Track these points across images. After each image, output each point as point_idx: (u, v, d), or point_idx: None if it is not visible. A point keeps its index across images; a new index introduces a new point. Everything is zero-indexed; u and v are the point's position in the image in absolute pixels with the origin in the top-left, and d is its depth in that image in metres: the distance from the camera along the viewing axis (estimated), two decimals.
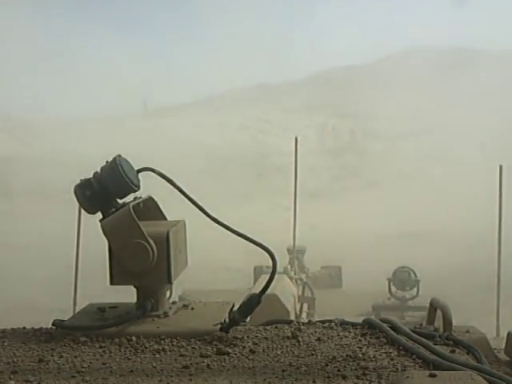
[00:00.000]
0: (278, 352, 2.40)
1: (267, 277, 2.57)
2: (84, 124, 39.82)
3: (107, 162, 2.66)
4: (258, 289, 2.63)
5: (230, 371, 2.23)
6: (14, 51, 51.70)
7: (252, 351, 2.40)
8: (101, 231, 2.62)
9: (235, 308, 2.68)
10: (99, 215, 2.66)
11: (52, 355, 2.38)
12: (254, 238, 2.63)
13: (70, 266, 9.22)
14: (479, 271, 15.06)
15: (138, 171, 2.72)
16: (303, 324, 2.73)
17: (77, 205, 2.73)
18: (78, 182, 2.67)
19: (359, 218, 25.55)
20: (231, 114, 42.64)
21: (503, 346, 2.57)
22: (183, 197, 2.68)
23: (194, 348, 2.44)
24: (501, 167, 10.65)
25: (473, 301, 14.09)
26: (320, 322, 2.76)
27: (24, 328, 2.72)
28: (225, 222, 2.67)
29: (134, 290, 2.71)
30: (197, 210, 2.69)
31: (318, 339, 2.53)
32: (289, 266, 12.16)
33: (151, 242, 2.58)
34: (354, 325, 2.69)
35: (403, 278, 11.88)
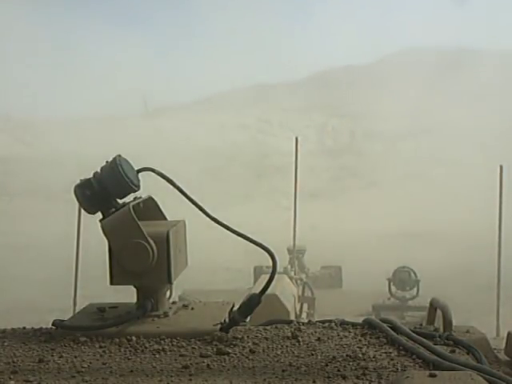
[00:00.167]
0: (278, 352, 2.40)
1: (267, 277, 2.58)
2: (84, 124, 39.82)
3: (107, 162, 2.66)
4: (258, 289, 2.63)
5: (230, 371, 2.23)
6: (13, 50, 51.72)
7: (252, 351, 2.40)
8: (101, 231, 2.62)
9: (235, 308, 2.68)
10: (99, 215, 2.66)
11: (52, 355, 2.38)
12: (254, 238, 2.63)
13: (70, 266, 9.21)
14: (479, 271, 15.06)
15: (138, 171, 2.72)
16: (303, 324, 2.73)
17: (77, 205, 2.73)
18: (77, 182, 2.68)
19: (359, 218, 25.55)
20: (231, 114, 42.63)
21: (503, 345, 2.57)
22: (183, 197, 2.68)
23: (193, 348, 2.44)
24: (501, 167, 10.64)
25: (473, 301, 14.09)
26: (320, 322, 2.77)
27: (24, 328, 2.72)
28: (225, 222, 2.67)
29: (134, 289, 2.71)
30: (197, 210, 2.69)
31: (318, 339, 2.53)
32: (289, 266, 12.16)
33: (151, 242, 2.58)
34: (354, 325, 2.69)
35: (403, 278, 11.87)
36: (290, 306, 7.43)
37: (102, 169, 2.66)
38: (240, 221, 5.70)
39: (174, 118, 42.21)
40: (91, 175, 2.66)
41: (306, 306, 10.62)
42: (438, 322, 2.70)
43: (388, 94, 41.04)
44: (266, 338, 2.54)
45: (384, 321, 2.67)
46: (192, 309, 2.82)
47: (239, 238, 2.66)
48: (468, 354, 2.38)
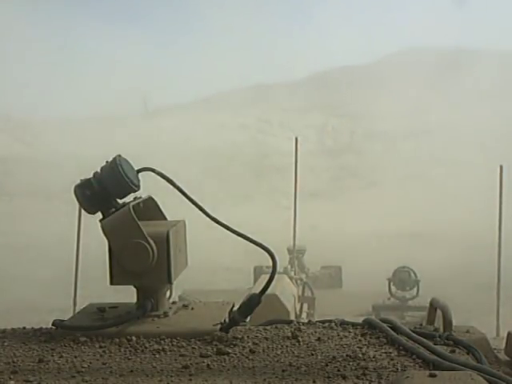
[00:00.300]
0: (278, 352, 2.40)
1: (267, 277, 2.58)
2: (84, 124, 39.82)
3: (107, 162, 2.66)
4: (258, 289, 2.63)
5: (230, 371, 2.23)
6: (13, 51, 51.72)
7: (252, 351, 2.40)
8: (101, 231, 2.62)
9: (235, 308, 2.68)
10: (99, 215, 2.66)
11: (52, 355, 2.39)
12: (254, 238, 2.63)
13: (70, 266, 9.21)
14: (479, 271, 15.06)
15: (138, 171, 2.72)
16: (303, 324, 2.73)
17: (77, 205, 2.73)
18: (77, 182, 2.67)
19: (359, 218, 25.55)
20: (231, 114, 42.63)
21: (503, 345, 2.57)
22: (183, 197, 2.68)
23: (193, 348, 2.44)
24: (501, 167, 10.65)
25: (472, 301, 14.09)
26: (320, 322, 2.77)
27: (24, 328, 2.72)
28: (225, 222, 2.67)
29: (134, 289, 2.71)
30: (197, 210, 2.69)
31: (318, 339, 2.53)
32: (289, 266, 12.16)
33: (151, 242, 2.58)
34: (354, 325, 2.69)
35: (403, 278, 11.86)
36: (290, 306, 7.43)
37: (101, 169, 2.66)
38: (240, 221, 5.70)
39: (174, 118, 42.21)
40: (91, 175, 2.66)
41: (306, 305, 10.62)
42: (438, 322, 2.70)
43: (388, 94, 41.05)
44: (266, 338, 2.54)
45: (384, 321, 2.67)
46: (192, 309, 2.82)
47: (239, 238, 2.66)
48: (468, 353, 2.38)
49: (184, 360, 2.32)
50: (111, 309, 2.76)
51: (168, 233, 2.61)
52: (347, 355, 2.32)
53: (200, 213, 2.69)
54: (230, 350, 2.39)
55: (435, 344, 2.42)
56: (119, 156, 2.66)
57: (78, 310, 2.99)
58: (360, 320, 2.74)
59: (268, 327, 2.68)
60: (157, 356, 2.38)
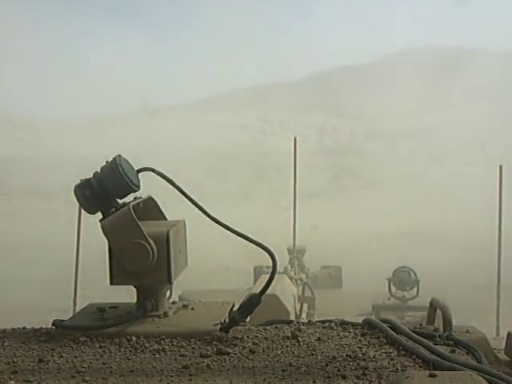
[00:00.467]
0: (278, 352, 2.40)
1: (267, 277, 2.58)
2: (84, 124, 39.83)
3: (107, 162, 2.66)
4: (258, 289, 2.63)
5: (230, 371, 2.23)
6: (14, 51, 51.72)
7: (252, 351, 2.40)
8: (101, 231, 2.62)
9: (235, 308, 2.68)
10: (99, 215, 2.66)
11: (52, 355, 2.39)
12: (254, 238, 2.63)
13: (70, 266, 9.21)
14: (479, 271, 15.06)
15: (138, 171, 2.72)
16: (303, 324, 2.73)
17: (77, 205, 2.73)
18: (77, 182, 2.67)
19: (359, 218, 25.55)
20: (231, 114, 42.64)
21: (503, 346, 2.57)
22: (183, 197, 2.68)
23: (193, 348, 2.44)
24: (501, 167, 10.65)
25: (472, 301, 14.09)
26: (320, 322, 2.77)
27: (24, 328, 2.72)
28: (225, 222, 2.67)
29: (134, 289, 2.71)
30: (197, 209, 2.69)
31: (318, 339, 2.53)
32: (289, 266, 12.16)
33: (151, 242, 2.58)
34: (354, 325, 2.69)
35: (403, 278, 11.86)
36: (290, 306, 7.43)
37: (101, 169, 2.66)
38: (240, 221, 5.70)
39: (174, 118, 42.21)
40: (91, 175, 2.66)
41: (306, 305, 10.62)
42: (438, 322, 2.70)
43: (388, 94, 41.06)
44: (266, 338, 2.54)
45: (384, 321, 2.67)
46: (192, 309, 2.82)
47: (239, 238, 2.66)
48: (468, 354, 2.38)
49: (184, 360, 2.32)
50: (111, 309, 2.76)
51: (168, 233, 2.61)
52: (347, 355, 2.32)
53: (200, 213, 2.69)
54: (230, 350, 2.39)
55: (435, 344, 2.42)
56: (119, 156, 2.66)
57: (78, 310, 2.98)
58: (360, 320, 2.74)
59: (268, 327, 2.68)
60: (157, 356, 2.38)
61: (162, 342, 2.48)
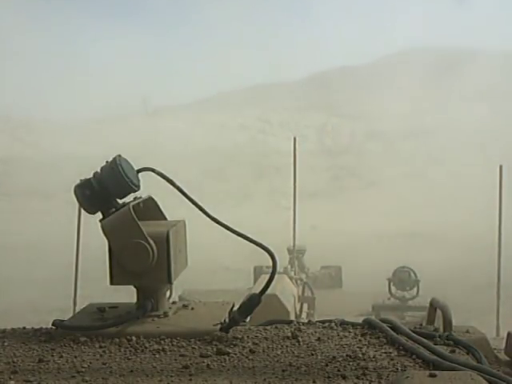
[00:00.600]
0: (278, 352, 2.40)
1: (267, 277, 2.57)
2: (84, 124, 39.83)
3: (107, 162, 2.66)
4: (258, 289, 2.63)
5: (230, 371, 2.23)
6: (14, 51, 51.72)
7: (252, 351, 2.40)
8: (101, 231, 2.62)
9: (235, 308, 2.68)
10: (99, 215, 2.66)
11: (52, 355, 2.38)
12: (254, 238, 2.63)
13: (70, 266, 9.21)
14: (479, 271, 15.06)
15: (138, 171, 2.72)
16: (303, 324, 2.73)
17: (77, 205, 2.73)
18: (77, 182, 2.67)
19: (359, 218, 25.55)
20: (231, 114, 42.64)
21: (503, 346, 2.57)
22: (183, 197, 2.68)
23: (193, 348, 2.44)
24: (501, 167, 10.65)
25: (472, 301, 14.09)
26: (320, 321, 2.77)
27: (24, 328, 2.72)
28: (225, 222, 2.67)
29: (134, 289, 2.71)
30: (197, 209, 2.69)
31: (318, 339, 2.53)
32: (289, 266, 12.16)
33: (151, 242, 2.57)
34: (354, 325, 2.69)
35: (403, 278, 11.86)
36: (290, 306, 7.43)
37: (101, 169, 2.66)
38: (240, 221, 5.70)
39: (174, 118, 42.22)
40: (91, 175, 2.66)
41: (306, 305, 10.62)
42: (438, 322, 2.70)
43: (388, 94, 41.07)
44: (266, 338, 2.54)
45: (384, 321, 2.67)
46: (192, 309, 2.82)
47: (239, 238, 2.66)
48: (468, 354, 2.38)
49: (184, 360, 2.32)
50: (111, 309, 2.76)
51: (168, 233, 2.60)
52: (347, 355, 2.32)
53: (200, 213, 2.69)
54: (230, 350, 2.39)
55: (435, 344, 2.42)
56: (119, 156, 2.66)
57: (78, 310, 2.98)
58: (360, 320, 2.74)
59: (268, 327, 2.68)
60: (157, 356, 2.38)
61: (162, 341, 2.48)
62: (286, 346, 2.45)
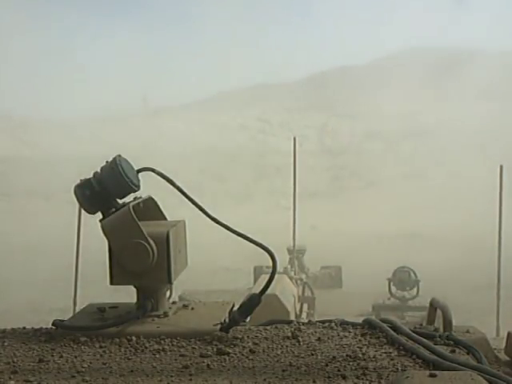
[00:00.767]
0: (278, 352, 2.40)
1: (267, 277, 2.57)
2: (84, 124, 39.83)
3: (107, 162, 2.66)
4: (258, 289, 2.63)
5: (230, 371, 2.23)
6: (14, 51, 51.72)
7: (252, 351, 2.40)
8: (101, 231, 2.62)
9: (235, 308, 2.68)
10: (99, 215, 2.66)
11: (52, 355, 2.38)
12: (254, 238, 2.63)
13: (70, 267, 9.21)
14: (479, 272, 15.06)
15: (138, 171, 2.72)
16: (303, 324, 2.73)
17: (77, 205, 2.73)
18: (77, 182, 2.67)
19: (359, 218, 25.55)
20: (231, 113, 42.64)
21: (503, 345, 2.57)
22: (183, 197, 2.68)
23: (194, 348, 2.44)
24: (501, 167, 10.65)
25: (472, 301, 14.09)
26: (320, 322, 2.76)
27: (24, 328, 2.72)
28: (225, 222, 2.67)
29: (134, 289, 2.71)
30: (197, 210, 2.69)
31: (318, 339, 2.53)
32: (289, 266, 12.16)
33: (151, 242, 2.57)
34: (354, 325, 2.69)
35: (403, 278, 11.86)
36: (290, 306, 7.43)
37: (101, 169, 2.66)
38: (240, 221, 5.70)
39: (174, 117, 42.22)
40: (91, 175, 2.66)
41: (306, 306, 10.63)
42: (438, 322, 2.70)
43: (388, 94, 41.06)
44: (266, 338, 2.54)
45: (384, 321, 2.67)
46: (192, 309, 2.82)
47: (239, 238, 2.66)
48: (468, 354, 2.38)
49: (184, 360, 2.32)
50: (111, 309, 2.76)
51: (168, 233, 2.60)
52: (347, 355, 2.32)
53: (200, 213, 2.69)
54: (230, 350, 2.39)
55: (435, 344, 2.42)
56: (119, 156, 2.66)
57: (78, 310, 2.98)
58: (360, 320, 2.74)
59: (268, 327, 2.68)
60: (157, 356, 2.37)
61: (162, 341, 2.48)
62: (286, 346, 2.45)
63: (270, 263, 2.59)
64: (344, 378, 2.14)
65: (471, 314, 10.99)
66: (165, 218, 2.86)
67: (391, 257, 16.09)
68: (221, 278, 17.40)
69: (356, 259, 17.92)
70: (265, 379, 2.15)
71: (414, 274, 11.91)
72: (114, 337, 2.50)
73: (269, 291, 2.64)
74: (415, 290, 11.84)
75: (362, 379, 2.13)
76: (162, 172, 2.69)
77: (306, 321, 2.83)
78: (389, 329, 2.54)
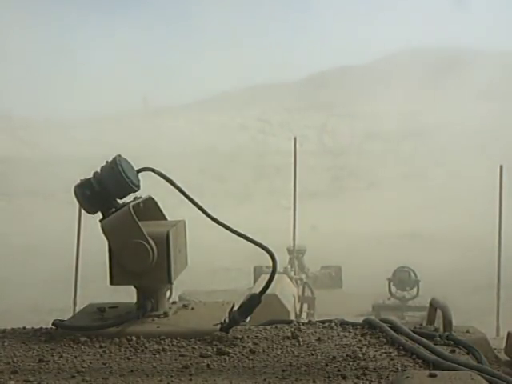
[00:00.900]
0: (278, 352, 2.40)
1: (267, 277, 2.57)
2: (84, 124, 39.83)
3: (107, 162, 2.66)
4: (257, 289, 2.63)
5: (230, 371, 2.23)
6: (14, 51, 51.71)
7: (252, 351, 2.40)
8: (101, 231, 2.62)
9: (235, 308, 2.68)
10: (99, 215, 2.66)
11: (52, 355, 2.38)
12: (254, 238, 2.63)
13: (70, 267, 9.21)
14: (479, 272, 15.05)
15: (138, 171, 2.72)
16: (303, 324, 2.73)
17: (77, 205, 2.73)
18: (77, 182, 2.67)
19: (359, 218, 25.54)
20: (231, 114, 42.63)
21: (503, 345, 2.57)
22: (183, 197, 2.68)
23: (194, 348, 2.44)
24: (501, 167, 10.64)
25: (472, 301, 14.08)
26: (320, 321, 2.76)
27: (24, 328, 2.72)
28: (225, 222, 2.67)
29: (134, 289, 2.71)
30: (197, 209, 2.69)
31: (318, 339, 2.53)
32: (289, 266, 12.15)
33: (151, 241, 2.57)
34: (354, 325, 2.69)
35: (403, 278, 11.85)
36: (290, 306, 7.43)
37: (101, 169, 2.66)
38: (240, 221, 5.70)
39: (174, 117, 42.21)
40: (91, 175, 2.66)
41: (306, 306, 10.62)
42: (438, 322, 2.70)
43: (388, 94, 41.05)
44: (266, 338, 2.54)
45: (384, 321, 2.67)
46: (192, 309, 2.82)
47: (239, 238, 2.66)
48: (468, 354, 2.38)
49: (184, 360, 2.32)
50: (111, 309, 2.76)
51: (168, 233, 2.60)
52: (347, 355, 2.32)
53: (200, 213, 2.69)
54: (230, 350, 2.39)
55: (435, 344, 2.42)
56: (119, 156, 2.66)
57: (78, 310, 2.98)
58: (360, 320, 2.74)
59: (268, 327, 2.68)
60: (157, 356, 2.37)
61: (162, 341, 2.48)
62: (286, 346, 2.45)
63: (270, 263, 2.59)
64: (344, 378, 2.14)
65: (471, 314, 10.99)
66: (165, 218, 2.86)
67: (391, 257, 16.08)
68: (221, 278, 17.40)
69: (356, 259, 17.92)
70: (265, 379, 2.15)
71: (414, 274, 11.90)
72: (114, 337, 2.50)
73: (269, 291, 2.64)
74: (415, 290, 11.82)
75: (362, 379, 2.13)
76: (162, 172, 2.69)
77: (306, 321, 2.83)
78: (389, 329, 2.54)
